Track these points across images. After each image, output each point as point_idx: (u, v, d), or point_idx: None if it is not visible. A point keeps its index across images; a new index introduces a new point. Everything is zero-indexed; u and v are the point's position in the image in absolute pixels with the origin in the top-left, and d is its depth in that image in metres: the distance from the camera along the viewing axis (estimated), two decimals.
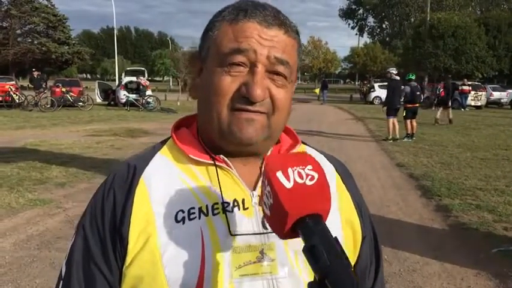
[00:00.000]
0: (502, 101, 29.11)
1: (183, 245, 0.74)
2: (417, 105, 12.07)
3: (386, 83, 14.94)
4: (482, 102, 26.88)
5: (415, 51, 37.16)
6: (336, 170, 0.91)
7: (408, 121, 11.83)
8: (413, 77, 12.48)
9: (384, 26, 66.26)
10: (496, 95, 28.81)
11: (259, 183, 0.80)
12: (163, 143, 0.87)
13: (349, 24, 68.33)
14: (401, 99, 11.74)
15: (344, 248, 0.83)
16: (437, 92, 17.99)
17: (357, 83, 69.91)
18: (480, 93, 26.73)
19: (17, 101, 20.94)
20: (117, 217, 0.76)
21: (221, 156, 0.80)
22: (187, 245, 0.74)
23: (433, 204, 5.85)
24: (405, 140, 11.67)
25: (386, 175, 7.68)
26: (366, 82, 38.89)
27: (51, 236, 4.48)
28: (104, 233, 0.76)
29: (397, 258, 4.08)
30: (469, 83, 25.98)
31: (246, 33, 0.75)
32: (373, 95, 30.50)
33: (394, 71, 12.16)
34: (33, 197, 5.79)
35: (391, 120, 11.77)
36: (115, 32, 43.30)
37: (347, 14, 67.32)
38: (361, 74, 62.52)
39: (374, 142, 11.94)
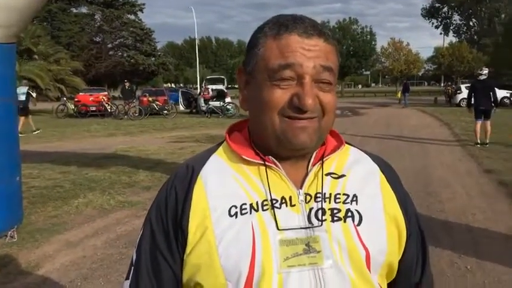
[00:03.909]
0: None
1: (236, 237, 0.81)
2: None
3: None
4: None
5: (506, 50, 34.58)
6: (381, 170, 0.94)
7: None
8: None
9: (471, 23, 62.20)
10: None
11: (306, 182, 0.87)
12: (219, 145, 0.96)
13: (432, 23, 64.63)
14: None
15: (388, 244, 0.86)
16: None
17: (442, 84, 66.31)
18: None
19: (109, 110, 22.66)
20: (179, 212, 0.86)
21: (270, 157, 0.87)
22: (240, 237, 0.81)
23: None
24: None
25: (472, 182, 7.24)
26: (450, 84, 36.82)
27: (137, 235, 4.79)
28: (168, 225, 0.87)
29: (482, 269, 3.86)
30: None
31: (291, 47, 0.81)
32: (459, 97, 28.65)
33: (484, 71, 11.19)
34: (123, 199, 6.23)
35: (478, 123, 11.09)
36: (196, 42, 45.00)
37: (430, 12, 63.88)
38: (447, 75, 59.25)
39: (459, 147, 11.27)
